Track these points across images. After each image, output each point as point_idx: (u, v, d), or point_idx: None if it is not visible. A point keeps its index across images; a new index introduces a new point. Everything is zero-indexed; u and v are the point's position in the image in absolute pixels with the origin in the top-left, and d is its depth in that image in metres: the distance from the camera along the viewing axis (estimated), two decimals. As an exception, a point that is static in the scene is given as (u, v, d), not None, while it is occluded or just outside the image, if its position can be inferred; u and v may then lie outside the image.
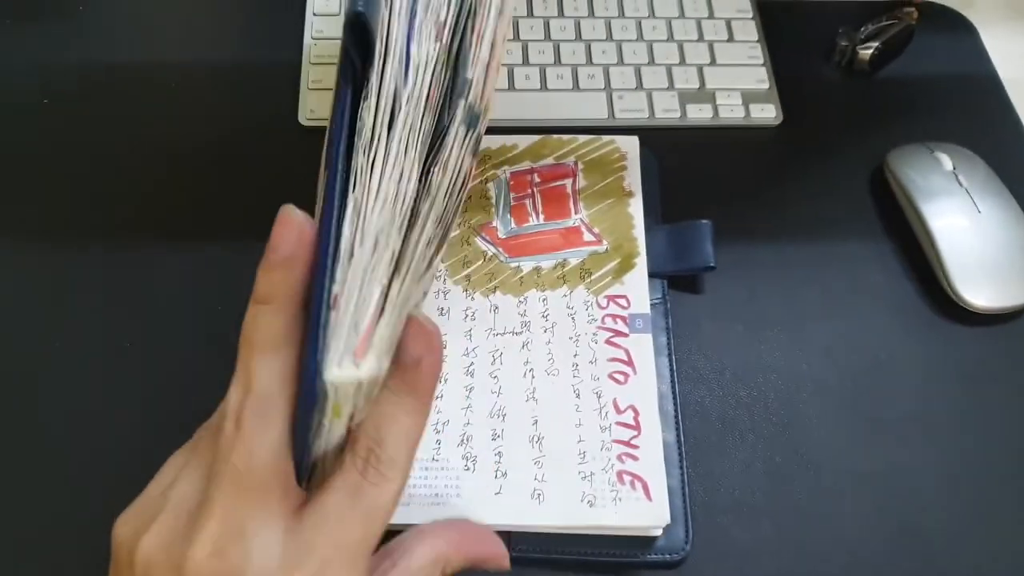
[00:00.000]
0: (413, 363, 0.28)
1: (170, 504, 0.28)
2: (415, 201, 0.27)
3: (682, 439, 0.44)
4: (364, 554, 0.28)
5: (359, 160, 0.27)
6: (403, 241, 0.26)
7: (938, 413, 0.46)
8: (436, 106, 0.28)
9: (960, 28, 0.62)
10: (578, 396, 0.44)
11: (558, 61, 0.58)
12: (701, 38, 0.59)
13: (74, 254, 0.50)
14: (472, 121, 0.29)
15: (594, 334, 0.46)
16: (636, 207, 0.50)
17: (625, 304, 0.47)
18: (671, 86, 0.57)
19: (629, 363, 0.45)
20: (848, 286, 0.50)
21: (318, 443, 0.28)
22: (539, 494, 0.42)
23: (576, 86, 0.57)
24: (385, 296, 0.26)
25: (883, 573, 0.42)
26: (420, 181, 0.27)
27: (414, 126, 0.27)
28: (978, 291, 0.49)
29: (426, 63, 0.28)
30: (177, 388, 0.45)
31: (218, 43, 0.60)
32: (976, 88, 0.59)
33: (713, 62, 0.58)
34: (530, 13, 0.60)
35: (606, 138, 0.53)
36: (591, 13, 0.60)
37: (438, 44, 0.28)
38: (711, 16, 0.60)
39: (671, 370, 0.46)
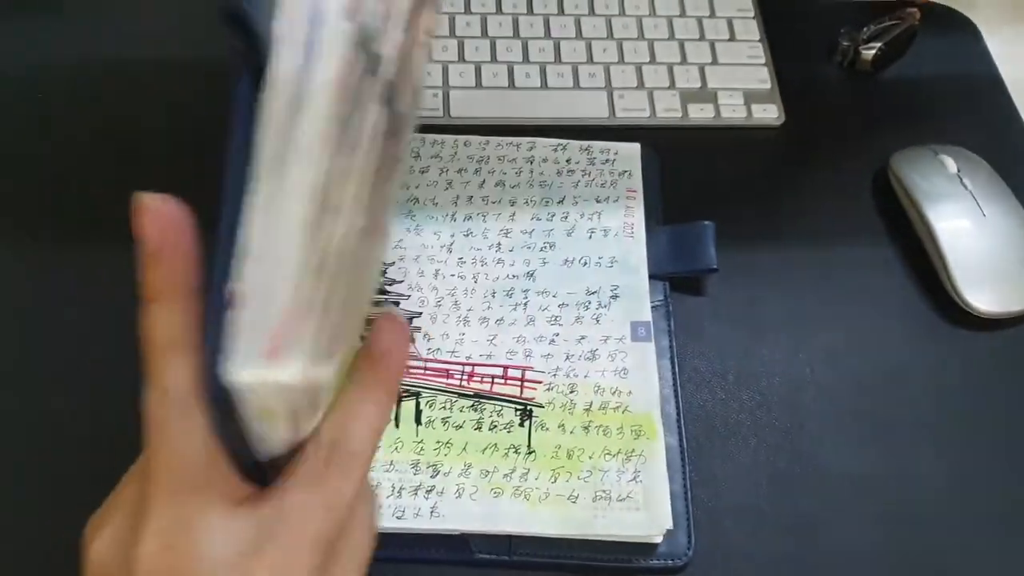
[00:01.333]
0: (380, 355, 0.28)
1: (116, 506, 0.27)
2: (324, 191, 0.25)
3: (684, 444, 0.43)
4: (327, 543, 0.27)
5: (264, 151, 0.25)
6: (314, 234, 0.25)
7: (942, 418, 0.46)
8: (347, 89, 0.26)
9: (963, 29, 0.62)
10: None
11: (558, 59, 0.57)
12: (702, 37, 0.58)
13: (70, 251, 0.49)
14: (388, 99, 0.28)
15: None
16: (638, 216, 0.50)
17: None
18: (672, 85, 0.56)
19: (632, 370, 0.45)
20: (851, 289, 0.50)
21: (261, 447, 0.27)
22: (538, 501, 0.41)
23: (576, 84, 0.56)
24: (303, 293, 0.24)
25: (888, 581, 0.42)
26: (329, 169, 0.25)
27: (322, 111, 0.25)
28: (982, 295, 0.48)
29: (330, 44, 0.26)
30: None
31: (217, 39, 0.59)
32: (979, 90, 0.59)
33: (714, 61, 0.58)
34: (530, 10, 0.59)
35: (606, 145, 0.53)
36: (591, 11, 0.59)
37: (349, 24, 0.26)
38: (712, 15, 0.59)
39: (673, 373, 0.45)
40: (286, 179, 0.25)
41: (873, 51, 0.58)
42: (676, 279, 0.49)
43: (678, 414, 0.44)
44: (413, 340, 0.28)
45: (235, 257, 0.24)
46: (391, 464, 0.42)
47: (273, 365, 0.24)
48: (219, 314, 0.24)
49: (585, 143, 0.53)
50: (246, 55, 0.26)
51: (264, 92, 0.25)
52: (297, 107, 0.25)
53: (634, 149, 0.53)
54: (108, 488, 0.29)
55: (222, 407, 0.24)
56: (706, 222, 0.49)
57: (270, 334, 0.24)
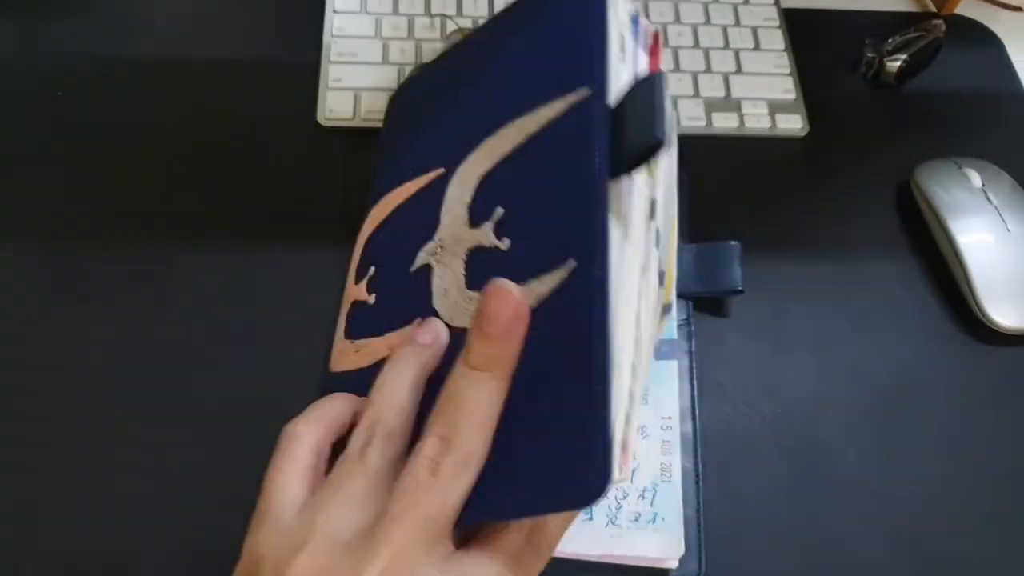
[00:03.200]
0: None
1: (320, 532, 0.29)
2: (638, 313, 0.30)
3: (700, 467, 0.43)
4: None
5: (625, 268, 0.29)
6: (637, 351, 0.29)
7: (964, 434, 0.46)
8: (645, 227, 0.31)
9: (987, 42, 0.61)
10: None
11: (582, 65, 0.57)
12: (727, 46, 0.58)
13: (86, 249, 0.49)
14: (656, 240, 0.32)
15: None
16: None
17: None
18: (696, 94, 0.56)
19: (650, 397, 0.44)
20: (873, 303, 0.50)
21: None
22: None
23: (600, 91, 0.56)
24: (632, 403, 0.28)
25: (909, 597, 0.42)
26: (639, 294, 0.30)
27: (639, 242, 0.30)
28: (1006, 310, 0.48)
29: (643, 181, 0.31)
30: (189, 387, 0.45)
31: (234, 39, 0.59)
32: (1003, 103, 0.59)
33: (739, 71, 0.57)
34: (554, 16, 0.59)
35: None
36: (616, 17, 0.59)
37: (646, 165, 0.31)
38: (737, 24, 0.59)
39: (692, 396, 0.45)
40: (629, 294, 0.29)
41: (898, 63, 0.57)
42: (701, 299, 0.49)
43: (695, 437, 0.44)
44: None
45: (608, 364, 0.27)
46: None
47: (619, 474, 0.27)
48: (611, 430, 0.27)
49: None
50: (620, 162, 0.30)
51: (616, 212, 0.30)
52: (627, 233, 0.29)
53: None
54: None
55: (580, 505, 0.28)
56: (732, 242, 0.48)
57: (624, 444, 0.27)
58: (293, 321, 0.46)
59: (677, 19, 0.59)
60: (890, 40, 0.58)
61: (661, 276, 0.34)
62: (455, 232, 0.37)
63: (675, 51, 0.58)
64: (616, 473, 0.26)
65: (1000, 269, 0.49)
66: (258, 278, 0.48)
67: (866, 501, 0.44)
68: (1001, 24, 0.62)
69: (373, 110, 0.54)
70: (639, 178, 0.31)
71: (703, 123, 0.55)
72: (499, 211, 0.35)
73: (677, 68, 0.57)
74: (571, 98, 0.33)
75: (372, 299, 0.41)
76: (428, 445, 0.29)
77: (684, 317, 0.47)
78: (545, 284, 0.31)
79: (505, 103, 0.38)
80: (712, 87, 0.57)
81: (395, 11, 0.58)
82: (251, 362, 0.46)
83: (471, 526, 0.30)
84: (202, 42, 0.58)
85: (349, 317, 0.43)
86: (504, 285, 0.29)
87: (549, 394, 0.29)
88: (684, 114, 0.56)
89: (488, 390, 0.29)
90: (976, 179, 0.52)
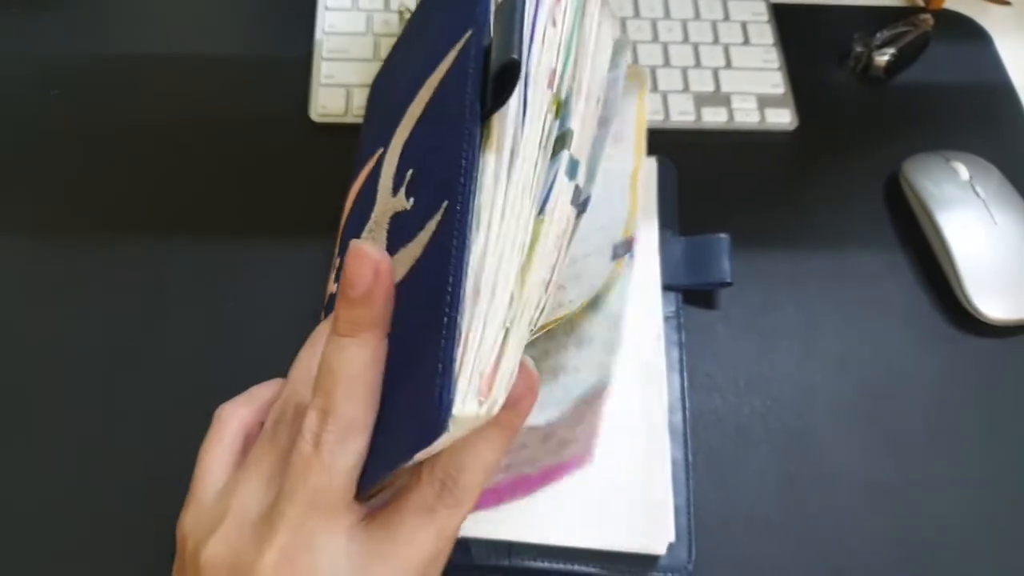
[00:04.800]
0: (512, 402, 0.28)
1: (232, 512, 0.29)
2: (529, 246, 0.28)
3: (689, 456, 0.43)
4: (426, 569, 0.29)
5: (482, 200, 0.27)
6: (520, 285, 0.27)
7: (952, 425, 0.46)
8: (547, 154, 0.29)
9: (975, 36, 0.62)
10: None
11: (572, 61, 0.57)
12: (716, 41, 0.59)
13: (79, 248, 0.49)
14: (572, 171, 0.30)
15: None
16: (651, 232, 0.49)
17: None
18: (686, 88, 0.57)
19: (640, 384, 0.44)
20: (862, 296, 0.50)
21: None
22: (540, 510, 0.41)
23: (590, 87, 0.56)
24: (505, 338, 0.26)
25: (897, 585, 0.42)
26: (533, 227, 0.28)
27: (529, 172, 0.28)
28: (993, 302, 0.49)
29: (540, 109, 0.29)
30: (183, 385, 0.45)
31: (227, 36, 0.59)
32: (990, 97, 0.59)
33: (728, 65, 0.58)
34: (544, 12, 0.59)
35: None
36: (606, 13, 0.59)
37: (549, 91, 0.29)
38: (727, 19, 0.60)
39: (682, 387, 0.45)
40: (501, 230, 0.27)
41: (886, 57, 0.58)
42: (690, 291, 0.49)
43: (684, 427, 0.44)
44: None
45: (463, 301, 0.26)
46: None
47: (484, 404, 0.26)
48: (454, 353, 0.25)
49: None
50: (483, 106, 0.29)
51: (484, 144, 0.28)
52: (512, 164, 0.28)
53: (650, 164, 0.52)
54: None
55: (430, 439, 0.26)
56: (721, 235, 0.49)
57: (486, 376, 0.26)
58: (285, 317, 0.46)
59: (667, 15, 0.60)
60: (878, 34, 0.59)
61: (585, 203, 0.32)
62: (383, 204, 0.38)
63: (665, 46, 0.58)
64: (465, 404, 0.25)
65: (987, 261, 0.50)
66: (251, 274, 0.49)
67: (855, 491, 0.44)
68: (989, 18, 0.63)
69: (365, 106, 0.54)
70: (538, 107, 0.29)
71: (693, 117, 0.56)
72: (410, 172, 0.35)
73: (667, 63, 0.58)
74: (460, 44, 0.33)
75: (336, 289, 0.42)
76: (308, 419, 0.29)
77: (673, 309, 0.47)
78: (427, 232, 0.30)
79: (423, 67, 0.38)
80: (702, 82, 0.57)
81: (386, 7, 0.59)
82: (246, 358, 0.46)
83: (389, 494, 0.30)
84: (195, 39, 0.58)
85: (325, 311, 0.44)
86: (358, 246, 0.28)
87: (421, 339, 0.27)
88: (674, 108, 0.56)
89: (357, 355, 0.29)
90: (963, 172, 0.52)
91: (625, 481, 0.41)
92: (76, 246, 0.49)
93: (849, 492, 0.44)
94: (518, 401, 0.28)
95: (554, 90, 0.30)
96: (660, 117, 0.56)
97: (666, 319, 0.47)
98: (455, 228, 0.27)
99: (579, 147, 0.31)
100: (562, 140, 0.30)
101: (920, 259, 0.52)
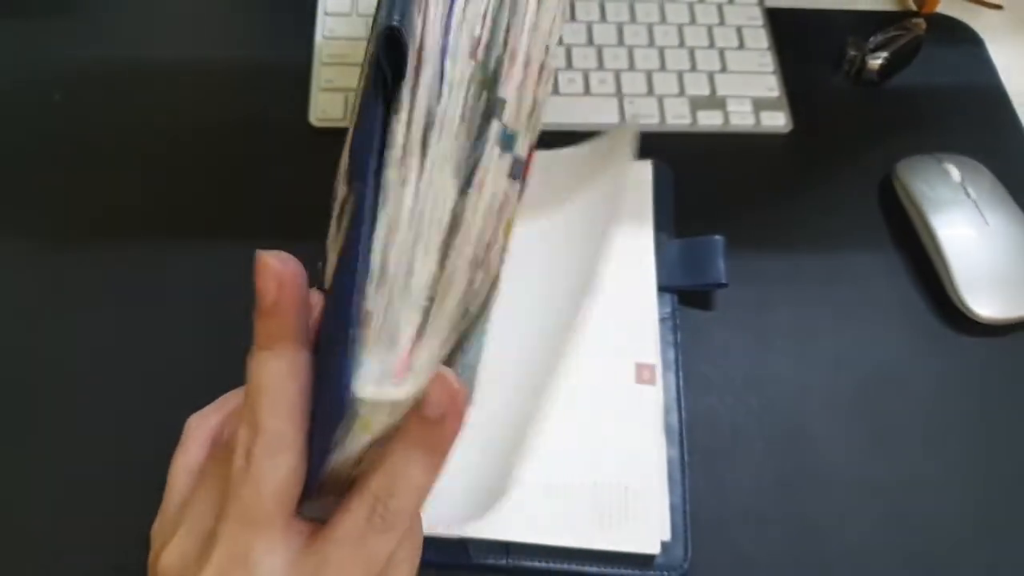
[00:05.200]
0: (436, 420, 0.27)
1: (186, 522, 0.30)
2: (452, 222, 0.26)
3: (685, 456, 0.44)
4: None
5: (389, 175, 0.26)
6: (441, 262, 0.26)
7: (946, 424, 0.47)
8: (472, 126, 0.27)
9: (967, 40, 0.63)
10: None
11: (569, 65, 0.58)
12: (712, 45, 0.59)
13: (80, 250, 0.50)
14: (507, 142, 0.28)
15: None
16: (646, 234, 0.50)
17: None
18: (682, 92, 0.57)
19: (637, 382, 0.45)
20: (856, 296, 0.51)
21: (337, 455, 0.28)
22: (537, 510, 0.41)
23: (587, 90, 0.57)
24: (425, 319, 0.25)
25: (891, 582, 0.42)
26: (457, 202, 0.27)
27: (449, 145, 0.27)
28: (985, 301, 0.49)
29: (460, 81, 0.27)
30: (183, 387, 0.45)
31: (227, 41, 0.59)
32: (982, 100, 0.60)
33: (724, 69, 0.58)
34: (541, 17, 0.60)
35: None
36: (602, 18, 0.60)
37: (472, 62, 0.28)
38: (722, 23, 0.60)
39: (678, 387, 0.46)
40: (414, 206, 0.26)
41: (879, 61, 0.58)
42: (685, 292, 0.49)
43: (680, 426, 0.45)
44: (469, 407, 0.28)
45: (369, 280, 0.25)
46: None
47: (398, 385, 0.25)
48: (352, 331, 0.24)
49: None
50: (384, 80, 0.27)
51: (394, 118, 0.26)
52: (423, 137, 0.26)
53: (646, 167, 0.52)
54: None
55: (335, 422, 0.25)
56: (716, 236, 0.49)
57: (401, 357, 0.25)
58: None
59: (663, 19, 0.60)
60: (872, 38, 0.59)
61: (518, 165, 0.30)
62: (338, 196, 0.37)
63: (661, 51, 0.59)
64: (376, 385, 0.24)
65: (979, 261, 0.50)
66: (251, 277, 0.49)
67: (850, 490, 0.45)
68: (981, 22, 0.63)
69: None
70: (458, 77, 0.28)
71: (688, 121, 0.56)
72: (347, 158, 0.33)
73: (663, 68, 0.58)
74: (377, 30, 0.31)
75: None
76: (240, 434, 0.28)
77: (669, 310, 0.48)
78: (347, 217, 0.29)
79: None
80: (697, 85, 0.58)
81: (385, 13, 0.59)
82: (246, 359, 0.46)
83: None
84: (195, 44, 0.59)
85: None
86: (260, 258, 0.28)
87: (336, 328, 0.26)
88: (670, 112, 0.57)
89: (275, 368, 0.28)
90: (956, 174, 0.53)
91: (621, 481, 0.42)
92: (77, 249, 0.50)
93: (843, 490, 0.45)
94: (442, 420, 0.27)
95: (479, 59, 0.28)
96: (656, 120, 0.56)
97: (662, 320, 0.47)
98: (358, 207, 0.26)
99: (515, 117, 0.29)
100: (491, 110, 0.28)
101: (913, 260, 0.52)
